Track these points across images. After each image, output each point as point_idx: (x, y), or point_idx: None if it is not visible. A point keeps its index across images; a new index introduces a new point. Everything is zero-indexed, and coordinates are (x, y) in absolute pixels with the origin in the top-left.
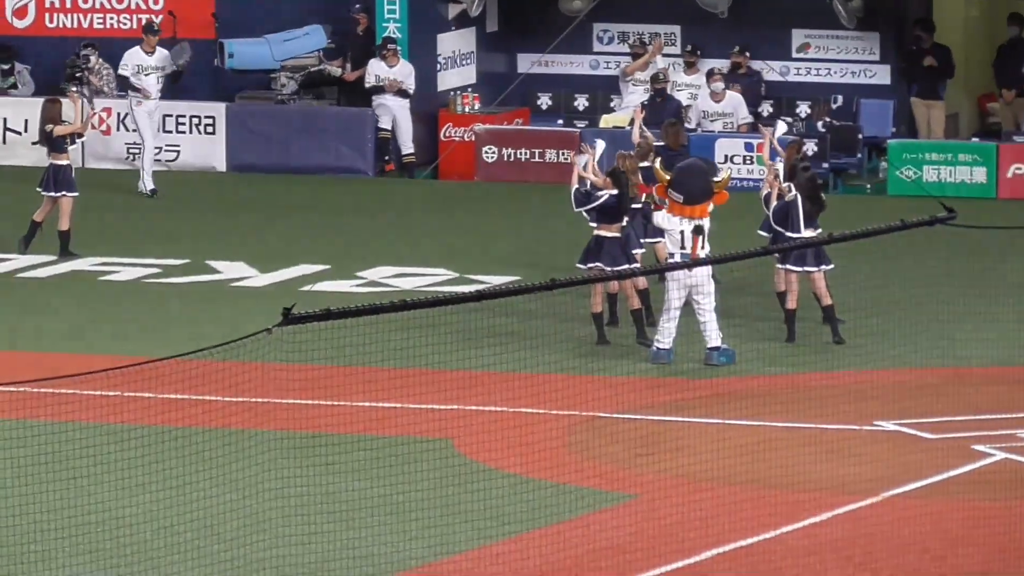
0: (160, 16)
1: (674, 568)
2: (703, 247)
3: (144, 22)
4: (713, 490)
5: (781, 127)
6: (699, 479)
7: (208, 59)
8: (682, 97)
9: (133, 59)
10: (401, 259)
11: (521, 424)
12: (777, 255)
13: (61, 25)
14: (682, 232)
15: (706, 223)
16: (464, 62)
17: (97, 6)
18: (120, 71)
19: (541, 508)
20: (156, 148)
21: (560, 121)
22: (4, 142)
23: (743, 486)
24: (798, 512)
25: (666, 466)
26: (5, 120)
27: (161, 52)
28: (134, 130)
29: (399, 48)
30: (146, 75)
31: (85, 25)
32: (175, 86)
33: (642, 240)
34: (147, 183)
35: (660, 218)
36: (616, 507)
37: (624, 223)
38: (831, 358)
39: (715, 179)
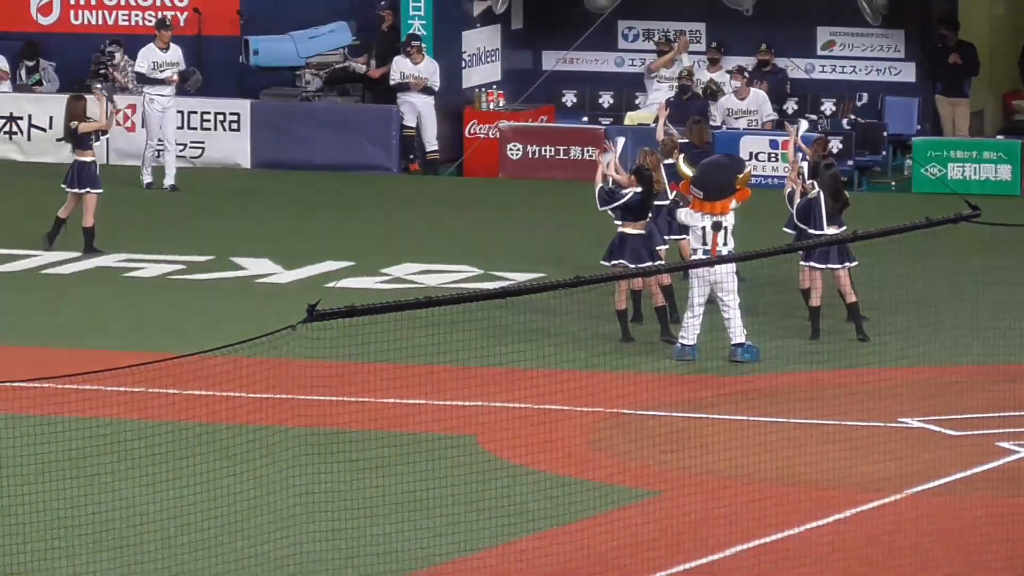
0: (184, 13)
1: (698, 564)
2: (725, 244)
3: (157, 19)
4: (737, 487)
5: (804, 125)
6: (723, 476)
7: (233, 56)
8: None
9: (148, 56)
10: (426, 256)
11: (545, 421)
12: (801, 252)
13: (86, 22)
14: (703, 228)
15: (727, 219)
16: (489, 59)
17: (122, 3)
18: (136, 68)
19: (565, 505)
20: (180, 145)
21: (585, 118)
22: (29, 139)
23: (767, 483)
24: (822, 509)
25: (690, 463)
26: (30, 117)
27: (175, 48)
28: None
29: (424, 45)
30: (161, 71)
31: (110, 22)
32: (203, 85)
33: (668, 237)
34: (146, 176)
35: (684, 215)
36: (640, 504)
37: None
38: (855, 355)
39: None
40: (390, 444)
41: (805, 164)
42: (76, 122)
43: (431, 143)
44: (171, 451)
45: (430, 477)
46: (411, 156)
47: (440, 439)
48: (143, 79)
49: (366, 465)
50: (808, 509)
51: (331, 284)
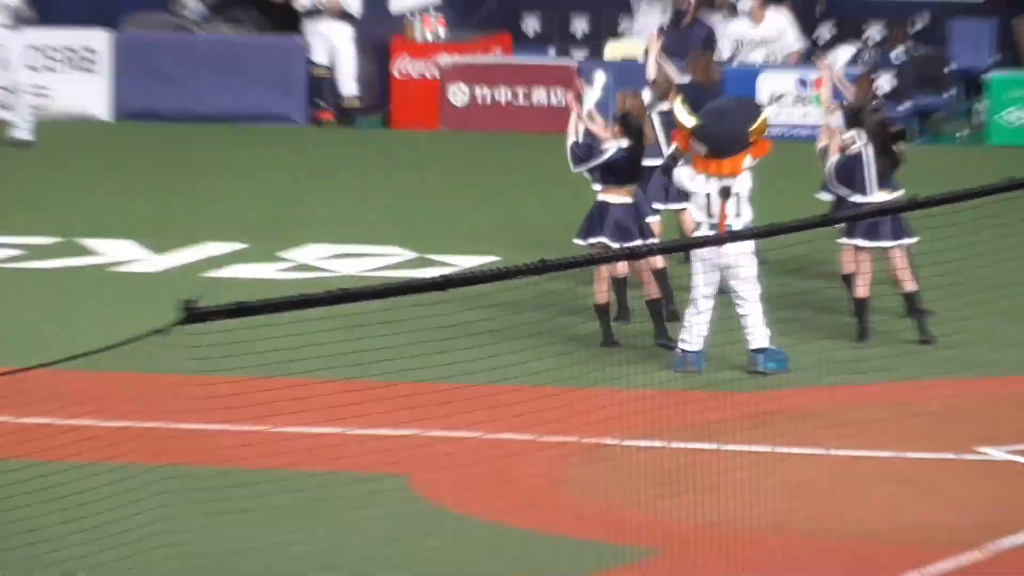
0: None
1: None
2: (738, 215)
3: None
4: (759, 543)
5: (844, 56)
6: (740, 528)
7: None
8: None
9: None
10: (341, 235)
11: (501, 455)
12: (842, 226)
13: None
14: (708, 195)
15: (739, 183)
16: None
17: None
18: None
19: (527, 567)
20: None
21: (552, 51)
22: None
23: (799, 536)
24: (874, 571)
25: (696, 510)
26: None
27: None
28: None
29: None
30: None
31: None
32: (45, 10)
33: (662, 206)
34: None
35: (683, 176)
36: (630, 565)
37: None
38: (916, 363)
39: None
40: (293, 488)
41: (840, 113)
42: None
43: (348, 86)
44: None
45: (347, 532)
46: (321, 103)
47: (360, 481)
48: None
49: (261, 517)
50: (856, 571)
51: (214, 273)
